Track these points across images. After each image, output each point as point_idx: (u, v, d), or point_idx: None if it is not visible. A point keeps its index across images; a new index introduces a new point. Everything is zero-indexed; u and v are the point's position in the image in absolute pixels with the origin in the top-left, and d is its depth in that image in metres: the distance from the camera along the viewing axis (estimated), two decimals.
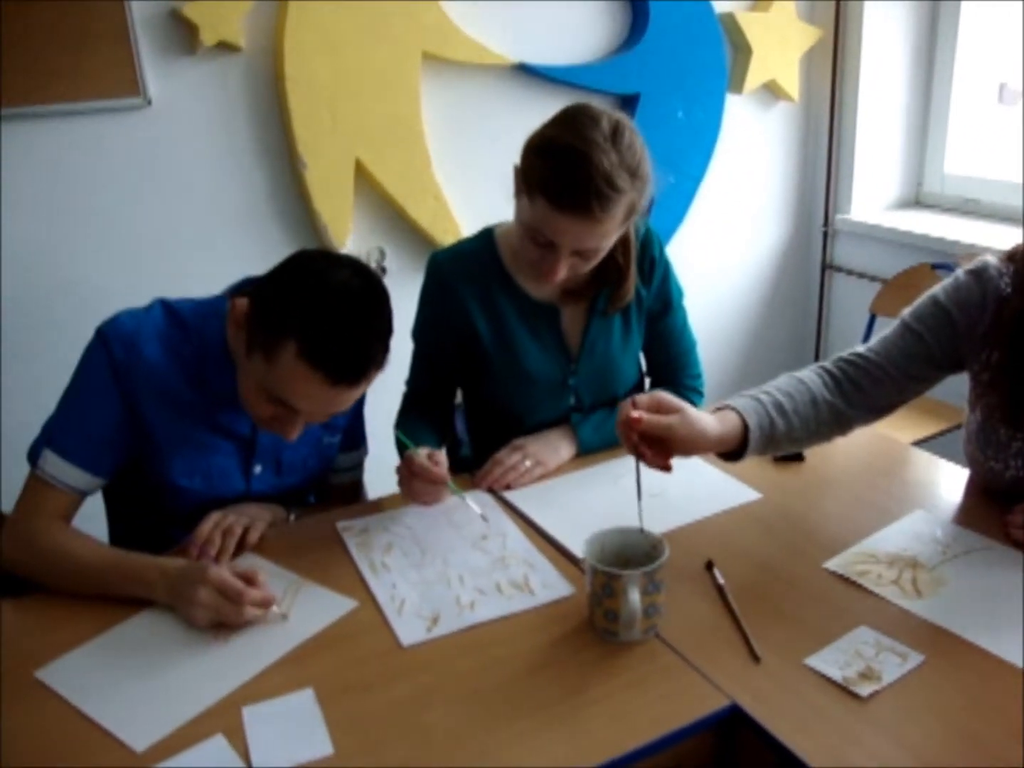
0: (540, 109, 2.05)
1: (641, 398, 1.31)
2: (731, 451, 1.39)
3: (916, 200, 3.42)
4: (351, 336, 1.33)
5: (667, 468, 1.32)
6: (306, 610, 1.34)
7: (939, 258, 2.97)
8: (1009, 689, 1.13)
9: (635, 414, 1.27)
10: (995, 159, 3.18)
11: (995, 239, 2.87)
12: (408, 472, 1.53)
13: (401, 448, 1.62)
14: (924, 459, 1.74)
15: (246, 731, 1.11)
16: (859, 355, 1.51)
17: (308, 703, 1.16)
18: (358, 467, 1.79)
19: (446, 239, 2.61)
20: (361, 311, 1.35)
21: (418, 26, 2.52)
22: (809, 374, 1.49)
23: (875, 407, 1.51)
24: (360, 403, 1.70)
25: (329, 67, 2.44)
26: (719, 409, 1.40)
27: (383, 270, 2.69)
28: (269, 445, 1.56)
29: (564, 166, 1.47)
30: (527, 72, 2.73)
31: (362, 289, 1.36)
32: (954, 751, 1.05)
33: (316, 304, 1.32)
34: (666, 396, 1.32)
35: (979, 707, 1.11)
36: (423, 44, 2.55)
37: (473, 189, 2.71)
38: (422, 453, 1.53)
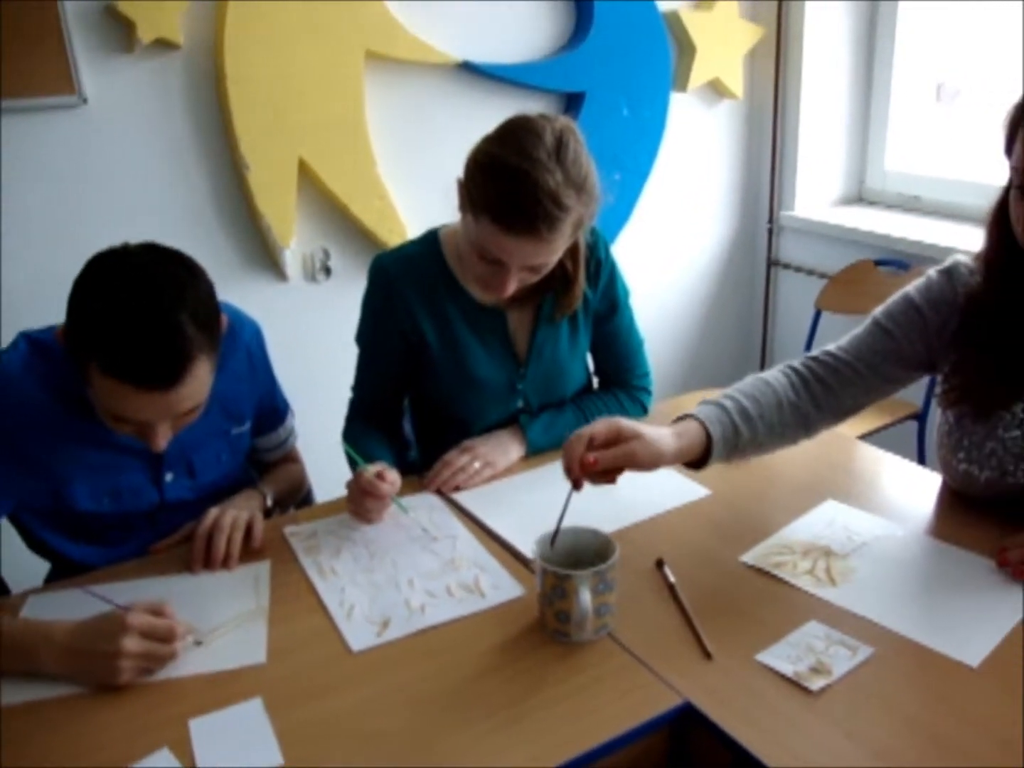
0: (486, 108, 2.06)
1: (599, 431, 1.28)
2: (695, 460, 1.38)
3: (859, 197, 3.47)
4: (144, 338, 1.24)
5: (613, 482, 1.31)
6: (227, 645, 1.27)
7: (882, 254, 3.01)
8: (957, 678, 1.14)
9: (590, 458, 1.25)
10: (935, 156, 3.23)
11: (936, 235, 2.92)
12: (357, 489, 1.51)
13: (352, 460, 1.60)
14: (871, 453, 1.76)
15: (193, 744, 1.09)
16: (829, 354, 1.50)
17: (256, 713, 1.13)
18: (286, 441, 1.77)
19: (392, 239, 2.59)
20: (152, 309, 1.25)
21: (361, 24, 2.50)
22: (776, 375, 1.49)
23: (842, 408, 1.50)
24: (269, 386, 1.68)
25: (271, 66, 2.40)
26: (682, 418, 1.39)
27: (328, 271, 2.66)
28: (176, 451, 1.51)
29: (509, 187, 1.45)
30: (472, 71, 2.72)
31: (152, 284, 1.27)
32: (904, 742, 1.06)
33: (100, 317, 1.25)
34: (624, 424, 1.29)
35: (928, 698, 1.12)
36: (367, 43, 2.53)
37: (419, 189, 2.69)
38: (371, 470, 1.51)
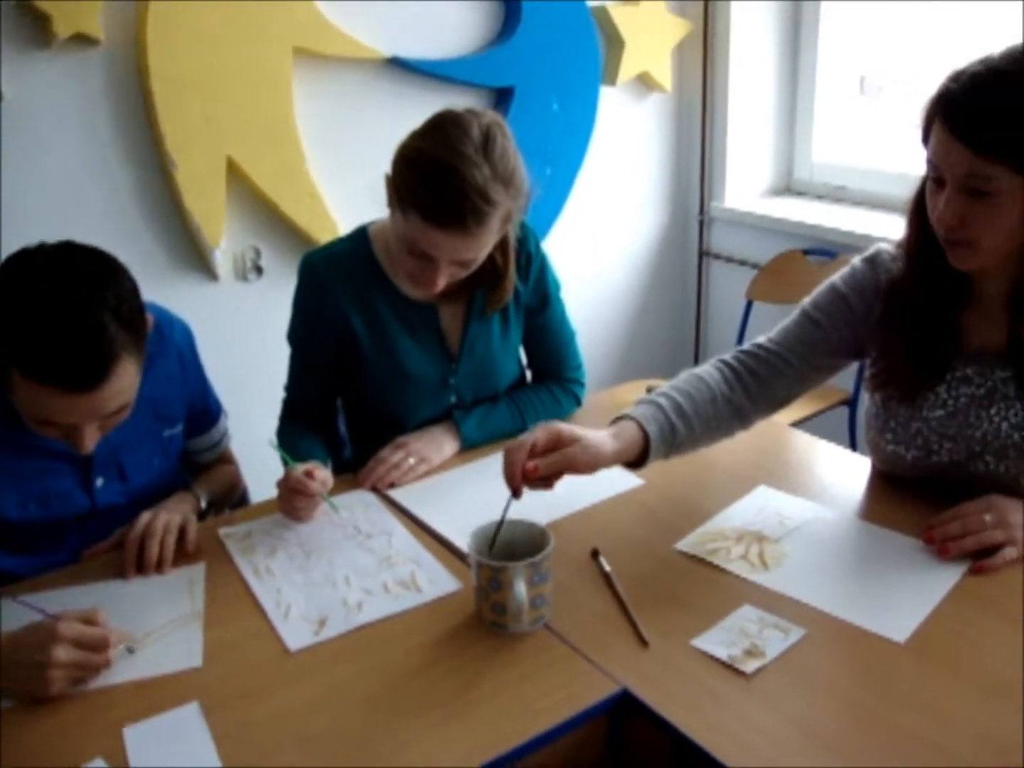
0: (415, 103, 2.04)
1: (539, 438, 1.28)
2: (633, 460, 1.39)
3: (787, 188, 3.52)
4: (64, 341, 1.22)
5: (550, 488, 1.31)
6: (161, 649, 1.26)
7: (811, 244, 3.06)
8: (886, 655, 1.17)
9: (531, 466, 1.25)
10: (860, 148, 3.29)
11: (862, 224, 2.97)
12: (286, 488, 1.50)
13: (285, 459, 1.58)
14: (802, 439, 1.80)
15: (128, 753, 1.07)
16: (759, 346, 1.52)
17: (193, 718, 1.12)
18: (220, 442, 1.76)
19: (323, 237, 2.56)
20: (72, 310, 1.23)
21: (288, 20, 2.47)
22: (709, 370, 1.50)
23: (775, 399, 1.53)
24: (200, 386, 1.66)
25: (196, 62, 2.36)
26: (618, 419, 1.39)
27: (259, 270, 2.63)
28: (107, 455, 1.49)
29: (436, 183, 1.45)
30: (400, 66, 2.70)
31: (71, 283, 1.25)
32: (838, 720, 1.09)
33: (17, 321, 1.22)
34: (563, 429, 1.30)
35: (858, 675, 1.16)
36: (294, 39, 2.50)
37: (349, 185, 2.67)
38: (300, 469, 1.50)
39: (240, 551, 1.46)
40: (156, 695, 1.16)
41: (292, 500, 1.50)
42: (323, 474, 1.52)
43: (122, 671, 1.21)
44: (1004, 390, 1.39)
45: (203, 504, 1.59)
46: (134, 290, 1.33)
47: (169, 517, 1.45)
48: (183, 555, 1.45)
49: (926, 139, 1.31)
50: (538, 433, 1.29)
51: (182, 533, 1.45)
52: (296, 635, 1.26)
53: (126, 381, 1.30)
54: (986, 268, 1.35)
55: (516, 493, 1.27)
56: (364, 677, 1.18)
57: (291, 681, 1.18)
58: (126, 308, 1.29)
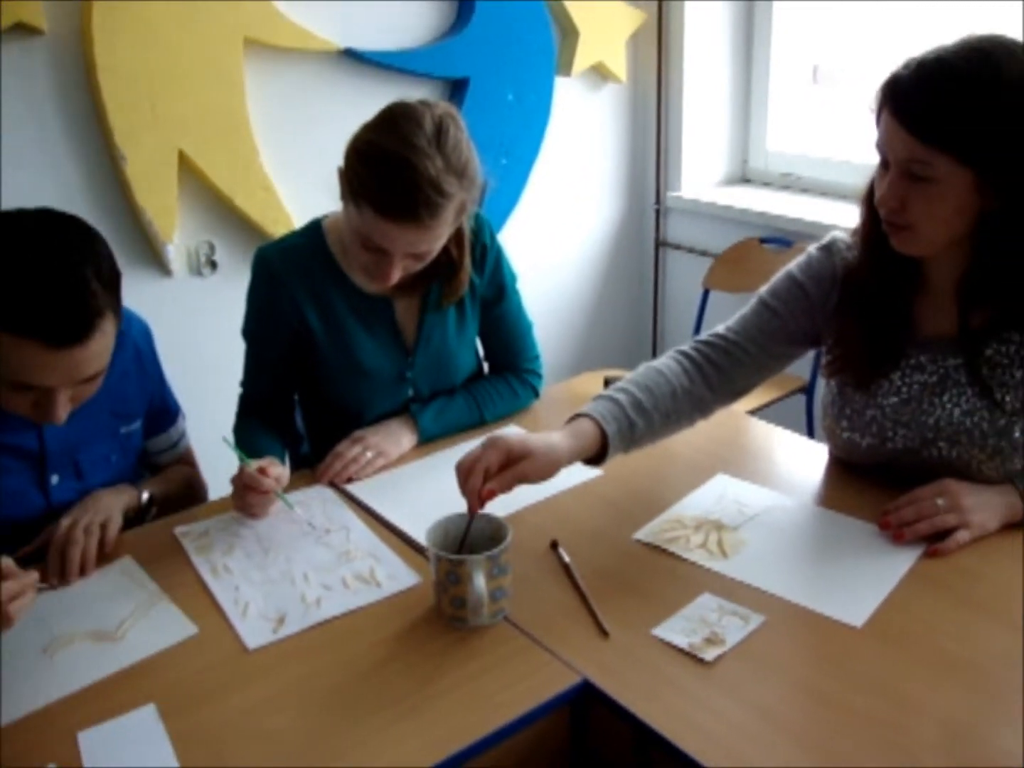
0: (368, 95, 2.02)
1: (492, 462, 1.26)
2: (591, 457, 1.38)
3: (743, 177, 3.53)
4: (52, 292, 1.22)
5: (510, 491, 1.30)
6: (148, 629, 1.27)
7: (767, 232, 3.08)
8: (844, 640, 1.18)
9: (487, 491, 1.24)
10: (814, 137, 3.31)
11: (817, 212, 3.00)
12: (240, 485, 1.48)
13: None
14: (760, 427, 1.81)
15: (83, 758, 1.06)
16: (718, 336, 1.52)
17: (150, 720, 1.10)
18: (178, 443, 1.73)
19: (277, 230, 2.54)
20: (58, 263, 1.24)
21: (239, 11, 2.43)
22: (668, 362, 1.50)
23: (736, 389, 1.53)
24: (159, 383, 1.64)
25: (144, 54, 2.32)
26: (576, 417, 1.38)
27: (213, 265, 2.60)
28: (62, 451, 1.47)
29: (389, 175, 1.44)
30: (354, 58, 2.68)
31: (56, 239, 1.26)
32: (798, 705, 1.10)
33: (4, 274, 1.22)
34: (513, 444, 1.28)
35: (816, 660, 1.17)
36: (245, 29, 2.46)
37: (303, 178, 2.64)
38: (253, 465, 1.48)
39: (196, 550, 1.44)
40: (111, 698, 1.14)
41: (246, 497, 1.48)
42: (277, 470, 1.50)
43: (120, 656, 1.21)
44: (956, 377, 1.40)
45: (144, 498, 1.55)
46: (112, 256, 1.33)
47: (90, 519, 1.41)
48: (103, 556, 1.41)
49: (879, 123, 1.32)
50: (489, 455, 1.27)
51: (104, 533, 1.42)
52: (254, 633, 1.25)
53: (106, 343, 1.30)
54: (932, 255, 1.37)
55: (474, 514, 1.27)
56: (324, 674, 1.17)
57: (250, 680, 1.17)
58: (107, 269, 1.29)
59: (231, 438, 1.66)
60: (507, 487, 1.27)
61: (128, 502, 1.52)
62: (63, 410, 1.31)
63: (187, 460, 1.77)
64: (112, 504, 1.47)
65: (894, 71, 1.28)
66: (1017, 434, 1.38)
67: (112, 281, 1.30)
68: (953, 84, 1.23)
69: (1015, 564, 1.31)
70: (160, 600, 1.33)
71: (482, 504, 1.25)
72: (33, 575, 1.20)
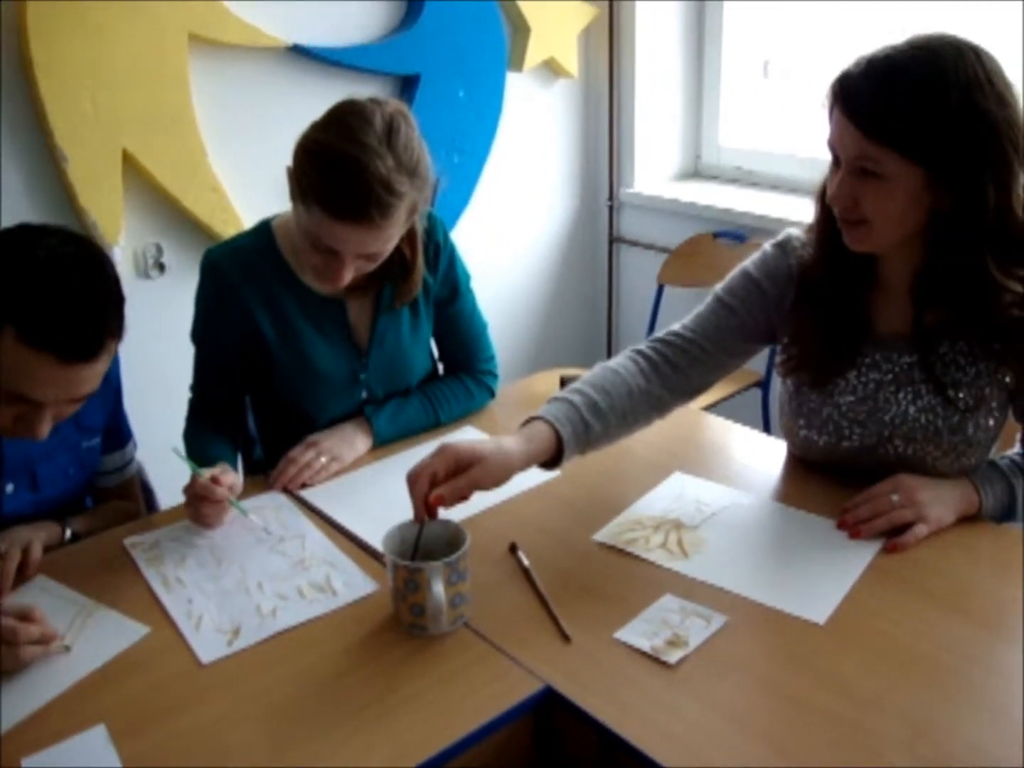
0: (318, 92, 1.98)
1: (438, 468, 1.23)
2: (547, 460, 1.36)
3: (695, 172, 3.54)
4: (73, 308, 1.24)
5: (466, 500, 1.28)
6: (94, 639, 1.24)
7: (720, 227, 3.08)
8: (806, 638, 1.18)
9: (434, 498, 1.22)
10: (766, 132, 3.33)
11: (770, 207, 3.01)
12: (192, 494, 1.45)
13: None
14: (716, 424, 1.81)
15: None
16: (674, 334, 1.51)
17: (100, 742, 1.07)
18: (128, 465, 1.69)
19: (227, 231, 2.49)
20: (79, 280, 1.26)
21: (183, 6, 2.38)
22: (624, 361, 1.48)
23: (692, 387, 1.52)
24: (118, 399, 1.61)
25: (84, 50, 2.26)
26: (530, 420, 1.36)
27: (162, 267, 2.55)
28: (19, 461, 1.43)
29: (339, 175, 1.42)
30: (303, 54, 2.64)
31: (77, 257, 1.28)
32: (762, 705, 1.09)
33: (26, 280, 1.23)
34: (462, 451, 1.26)
35: (780, 659, 1.16)
36: (189, 25, 2.41)
37: (252, 178, 2.60)
38: (206, 474, 1.45)
39: (147, 561, 1.41)
40: (58, 721, 1.11)
41: (199, 507, 1.45)
42: (231, 479, 1.47)
43: (77, 668, 1.19)
44: (911, 375, 1.41)
45: (67, 534, 1.50)
46: (119, 280, 1.34)
47: (7, 546, 1.36)
48: (22, 579, 1.36)
49: (830, 120, 1.32)
50: (436, 462, 1.24)
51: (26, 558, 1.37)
52: (208, 647, 1.22)
53: (106, 364, 1.31)
54: (885, 252, 1.37)
55: (422, 522, 1.24)
56: (281, 686, 1.15)
57: (205, 696, 1.14)
58: (116, 292, 1.32)
59: (181, 447, 1.62)
60: (458, 494, 1.24)
61: (48, 538, 1.46)
62: (47, 427, 1.31)
63: (129, 491, 1.71)
64: (31, 536, 1.41)
65: (845, 69, 1.28)
66: (971, 430, 1.39)
67: (120, 304, 1.32)
68: (902, 82, 1.23)
69: (972, 557, 1.32)
70: (96, 610, 1.29)
71: (432, 512, 1.23)
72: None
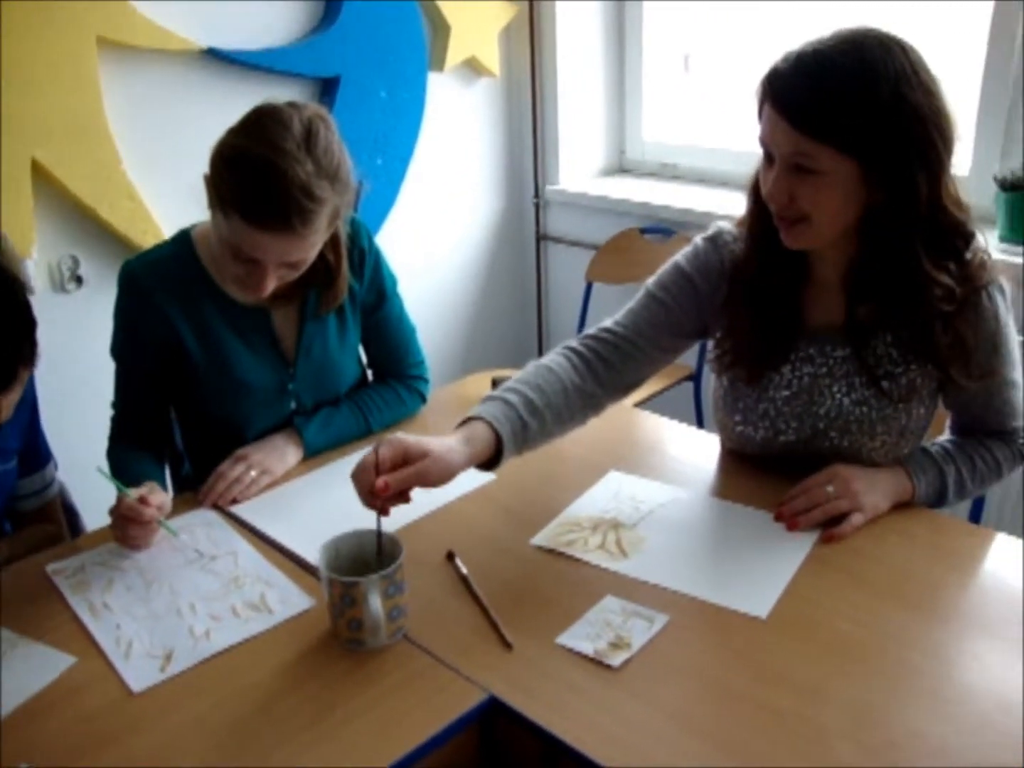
0: (235, 97, 1.94)
1: (384, 456, 1.21)
2: (486, 461, 1.34)
3: (620, 167, 3.55)
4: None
5: (407, 501, 1.26)
6: (17, 674, 1.18)
7: (646, 222, 3.09)
8: (748, 632, 1.18)
9: (381, 483, 1.19)
10: (689, 126, 3.35)
11: (695, 201, 3.02)
12: (119, 516, 1.40)
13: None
14: (649, 420, 1.80)
15: None
16: (606, 330, 1.49)
17: None
18: (48, 487, 1.63)
19: (146, 241, 2.42)
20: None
21: (91, 9, 2.31)
22: (557, 359, 1.46)
23: (626, 383, 1.50)
24: (34, 418, 1.55)
25: None
26: (468, 420, 1.34)
27: (79, 280, 2.47)
28: None
29: (256, 182, 1.38)
30: (217, 58, 2.58)
31: None
32: (708, 704, 1.09)
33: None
34: (410, 443, 1.23)
35: (724, 656, 1.16)
36: (97, 28, 2.33)
37: (170, 186, 2.53)
38: (133, 494, 1.40)
39: (72, 588, 1.36)
40: None
41: (126, 528, 1.40)
42: (159, 498, 1.42)
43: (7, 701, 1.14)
44: (844, 367, 1.42)
45: None
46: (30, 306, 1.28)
47: None
48: None
49: (760, 117, 1.31)
50: (382, 451, 1.22)
51: None
52: (139, 674, 1.18)
53: (16, 395, 1.27)
54: (820, 247, 1.37)
55: (382, 511, 1.22)
56: (218, 711, 1.11)
57: (137, 726, 1.10)
58: (27, 321, 1.24)
59: (105, 467, 1.57)
60: (404, 485, 1.21)
61: None
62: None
63: (50, 514, 1.65)
64: None
65: (773, 66, 1.28)
66: (904, 420, 1.41)
67: (32, 330, 1.25)
68: (833, 77, 1.22)
69: (908, 543, 1.33)
70: (18, 644, 1.24)
71: (382, 501, 1.20)
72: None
